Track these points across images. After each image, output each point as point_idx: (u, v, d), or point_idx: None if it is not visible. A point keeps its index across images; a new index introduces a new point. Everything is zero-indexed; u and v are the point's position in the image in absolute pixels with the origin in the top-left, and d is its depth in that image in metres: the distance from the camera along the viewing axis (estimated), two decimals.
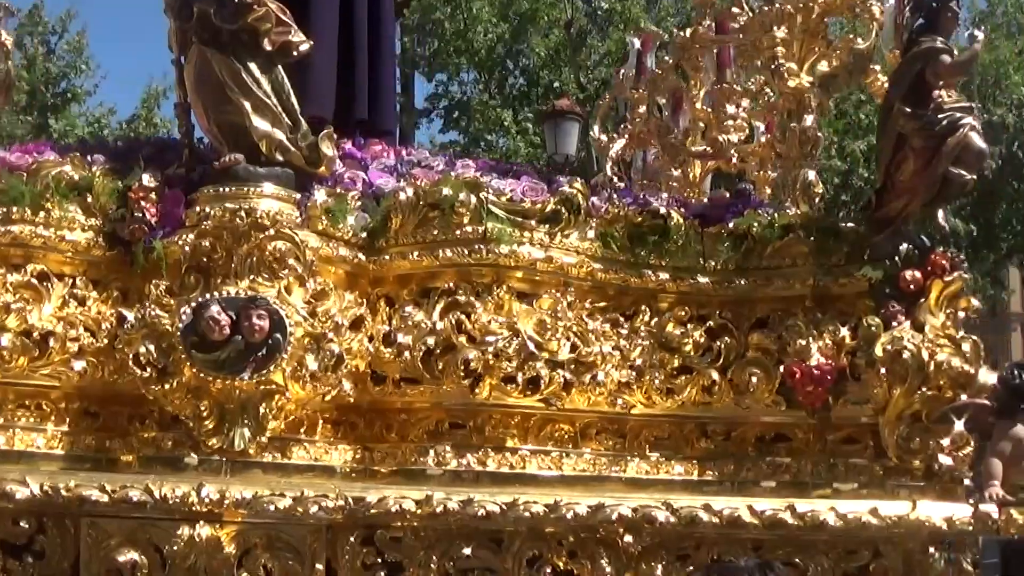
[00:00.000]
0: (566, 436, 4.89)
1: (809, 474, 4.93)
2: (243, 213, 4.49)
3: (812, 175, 5.31)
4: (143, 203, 4.66)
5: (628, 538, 4.50)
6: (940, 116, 4.84)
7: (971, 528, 4.62)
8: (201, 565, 4.26)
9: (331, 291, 4.62)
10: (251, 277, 4.49)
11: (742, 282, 5.05)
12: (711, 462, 4.99)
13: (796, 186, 5.26)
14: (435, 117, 23.03)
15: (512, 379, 4.62)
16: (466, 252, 4.74)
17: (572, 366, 4.69)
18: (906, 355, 4.64)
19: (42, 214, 4.62)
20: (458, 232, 4.76)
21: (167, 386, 4.40)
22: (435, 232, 4.79)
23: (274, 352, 4.40)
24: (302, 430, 4.69)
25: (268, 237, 4.50)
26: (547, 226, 4.86)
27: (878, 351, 4.67)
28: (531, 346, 4.62)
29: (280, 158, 4.68)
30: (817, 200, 5.31)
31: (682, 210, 5.13)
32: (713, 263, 5.06)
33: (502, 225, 4.77)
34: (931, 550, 4.63)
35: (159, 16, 4.98)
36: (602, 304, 4.96)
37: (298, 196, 4.70)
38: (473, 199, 4.79)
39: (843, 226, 5.13)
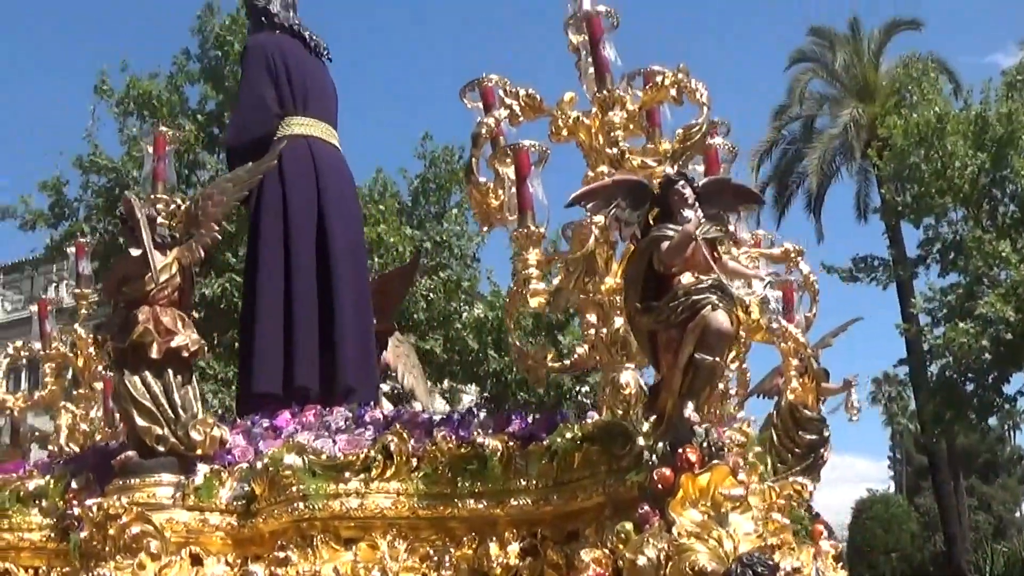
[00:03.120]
0: None
1: None
2: (117, 503, 5.45)
3: (625, 377, 5.20)
4: (74, 502, 5.78)
5: None
6: (676, 304, 4.68)
7: None
8: None
9: (180, 562, 5.41)
10: (116, 559, 5.41)
11: (555, 497, 5.08)
12: None
13: (606, 389, 5.21)
14: (931, 263, 22.22)
15: None
16: (293, 509, 5.33)
17: None
18: (642, 561, 4.47)
19: (6, 521, 5.90)
20: (287, 492, 5.36)
21: None
22: (285, 493, 5.43)
23: None
24: None
25: (129, 521, 5.41)
26: (364, 475, 5.30)
27: (625, 559, 4.54)
28: None
29: (162, 449, 5.62)
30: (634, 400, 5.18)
31: (501, 434, 5.29)
32: (534, 482, 5.15)
33: (319, 482, 5.30)
34: None
35: None
36: (425, 539, 5.25)
37: (181, 478, 5.58)
38: (298, 460, 5.38)
39: (631, 428, 5.00)
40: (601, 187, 4.77)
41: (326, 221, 6.51)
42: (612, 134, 5.03)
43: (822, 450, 6.68)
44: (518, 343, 5.71)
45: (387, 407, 7.16)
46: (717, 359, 4.67)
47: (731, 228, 5.22)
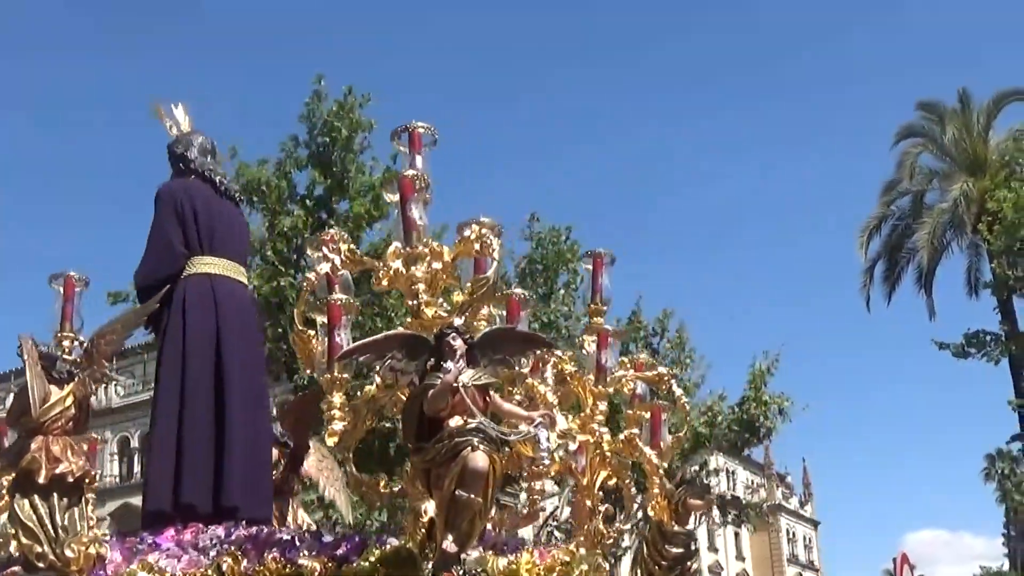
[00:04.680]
0: None
1: None
2: None
3: (426, 506, 5.67)
4: None
5: None
6: (441, 445, 5.19)
7: None
8: None
9: None
10: None
11: None
12: None
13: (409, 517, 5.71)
14: None
15: None
16: None
17: None
18: None
19: None
20: None
21: None
22: None
23: None
24: None
25: None
26: None
27: None
28: None
29: (42, 565, 6.33)
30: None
31: (321, 556, 5.81)
32: None
33: None
34: None
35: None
36: None
37: None
38: None
39: (416, 555, 5.46)
40: (373, 342, 5.33)
41: (223, 348, 6.99)
42: (413, 287, 5.59)
43: (689, 563, 7.08)
44: (353, 471, 6.21)
45: (303, 519, 7.75)
46: (473, 496, 5.14)
47: (519, 369, 5.73)
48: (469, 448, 5.14)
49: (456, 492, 5.14)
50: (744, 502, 28.83)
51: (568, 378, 7.01)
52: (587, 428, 6.90)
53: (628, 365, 7.30)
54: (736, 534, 63.25)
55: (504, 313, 6.10)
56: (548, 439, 5.52)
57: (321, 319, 5.76)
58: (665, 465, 7.07)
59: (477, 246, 5.75)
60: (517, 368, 5.75)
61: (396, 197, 5.75)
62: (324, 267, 5.80)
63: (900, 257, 34.03)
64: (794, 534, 72.42)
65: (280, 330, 22.65)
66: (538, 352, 6.06)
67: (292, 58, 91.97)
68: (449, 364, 5.26)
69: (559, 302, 25.81)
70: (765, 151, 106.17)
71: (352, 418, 5.59)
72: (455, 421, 5.23)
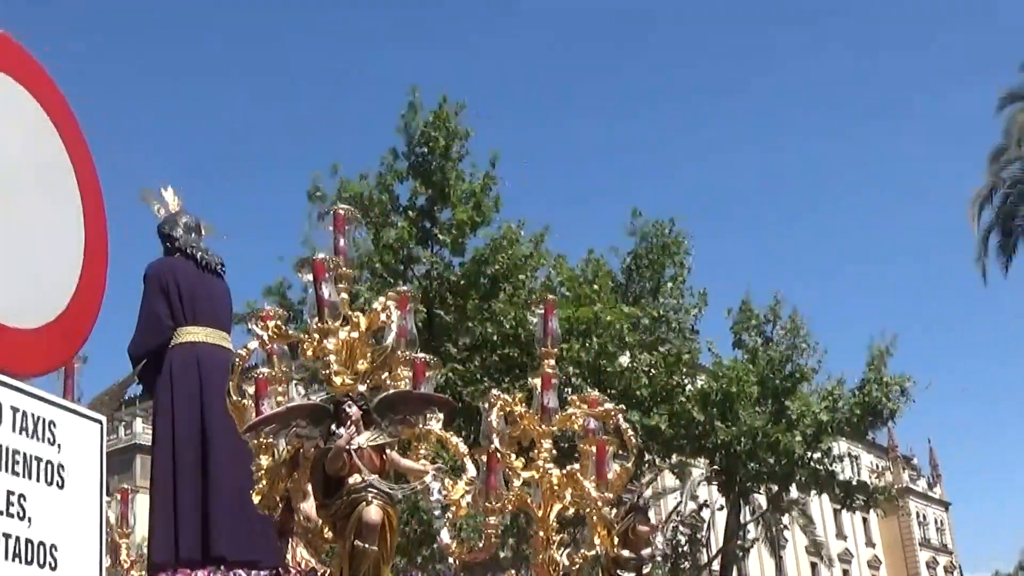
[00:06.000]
0: None
1: None
2: None
3: None
4: None
5: None
6: (340, 501, 5.90)
7: None
8: None
9: None
10: None
11: None
12: None
13: None
14: None
15: None
16: None
17: None
18: None
19: None
20: None
21: None
22: None
23: None
24: None
25: None
26: None
27: None
28: None
29: None
30: None
31: None
32: None
33: None
34: None
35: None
36: None
37: None
38: None
39: None
40: (275, 415, 6.06)
41: (205, 407, 7.84)
42: (324, 358, 6.31)
43: None
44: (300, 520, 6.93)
45: (303, 557, 8.53)
46: (369, 545, 5.84)
47: (423, 427, 6.39)
48: (364, 503, 5.86)
49: (355, 542, 5.86)
50: (871, 487, 28.63)
51: (519, 418, 7.61)
52: (533, 465, 7.51)
53: (579, 403, 7.86)
54: (864, 520, 61.98)
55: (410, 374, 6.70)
56: (440, 490, 6.19)
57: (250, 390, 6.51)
58: (610, 496, 7.59)
59: (383, 316, 6.41)
60: (421, 426, 6.40)
61: (310, 277, 6.43)
62: (253, 344, 6.55)
63: (1015, 226, 33.06)
64: (925, 517, 70.74)
65: None
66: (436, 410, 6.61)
67: (384, 70, 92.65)
68: (341, 430, 5.96)
69: (667, 295, 26.20)
70: (861, 122, 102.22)
71: (268, 481, 6.33)
72: (353, 479, 5.94)
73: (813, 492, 30.13)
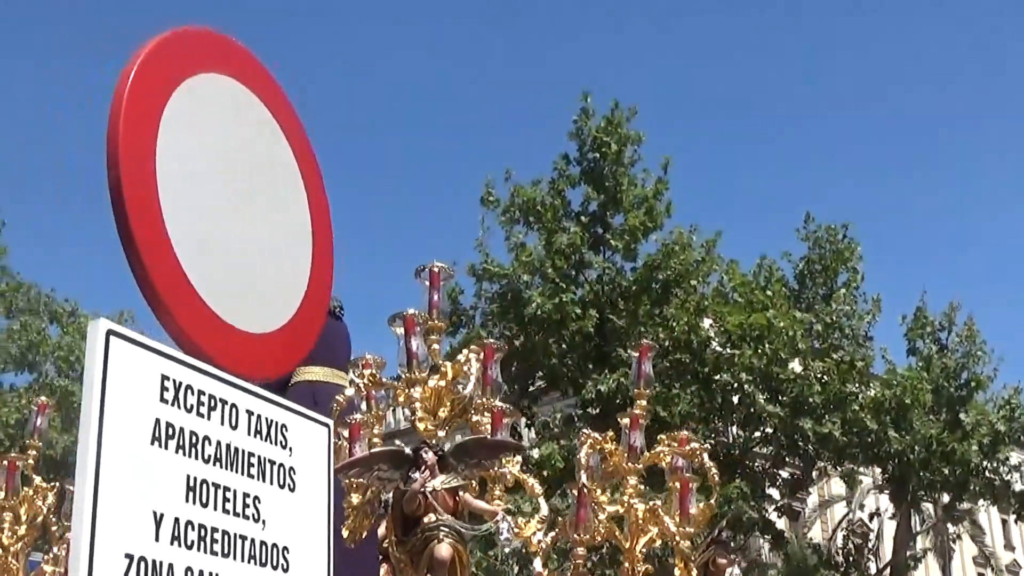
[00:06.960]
0: None
1: None
2: None
3: None
4: None
5: None
6: (415, 539, 6.56)
7: None
8: None
9: None
10: None
11: None
12: None
13: None
14: None
15: None
16: None
17: None
18: None
19: None
20: None
21: None
22: None
23: None
24: None
25: None
26: None
27: None
28: None
29: None
30: None
31: None
32: None
33: None
34: None
35: None
36: None
37: None
38: None
39: None
40: (359, 459, 6.74)
41: None
42: (412, 406, 7.00)
43: None
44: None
45: None
46: None
47: (497, 470, 7.00)
48: (436, 540, 6.51)
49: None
50: None
51: (608, 455, 8.16)
52: (619, 500, 8.05)
53: (667, 441, 8.34)
54: None
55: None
56: (510, 529, 6.81)
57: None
58: (691, 531, 8.04)
59: (465, 368, 7.06)
60: (495, 469, 7.02)
61: (400, 330, 7.09)
62: (350, 391, 7.27)
63: None
64: None
65: (563, 346, 24.25)
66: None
67: (557, 74, 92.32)
68: (416, 474, 6.63)
69: (840, 301, 26.00)
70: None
71: (354, 517, 7.03)
72: (428, 518, 6.61)
73: (984, 502, 29.51)
